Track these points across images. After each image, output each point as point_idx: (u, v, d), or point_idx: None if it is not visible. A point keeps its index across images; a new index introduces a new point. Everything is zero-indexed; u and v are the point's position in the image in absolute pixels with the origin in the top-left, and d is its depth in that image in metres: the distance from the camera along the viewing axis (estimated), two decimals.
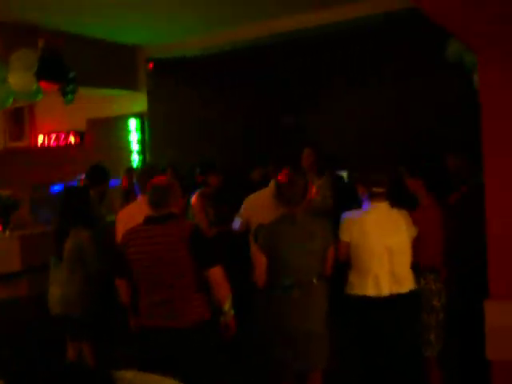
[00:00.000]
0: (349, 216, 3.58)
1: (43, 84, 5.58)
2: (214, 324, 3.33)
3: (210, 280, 3.25)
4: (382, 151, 7.35)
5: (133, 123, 7.31)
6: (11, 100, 5.37)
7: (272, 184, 4.20)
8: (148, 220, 3.36)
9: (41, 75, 5.50)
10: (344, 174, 7.07)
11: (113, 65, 6.92)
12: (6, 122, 8.65)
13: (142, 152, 7.33)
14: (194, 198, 5.06)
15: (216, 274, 3.25)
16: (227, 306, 3.30)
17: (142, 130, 7.34)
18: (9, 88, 5.21)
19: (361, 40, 7.07)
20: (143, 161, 7.32)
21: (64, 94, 5.93)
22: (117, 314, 3.89)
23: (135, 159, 7.33)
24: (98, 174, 5.14)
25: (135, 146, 7.33)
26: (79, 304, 4.00)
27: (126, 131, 7.35)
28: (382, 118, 8.03)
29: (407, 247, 3.56)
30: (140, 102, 7.34)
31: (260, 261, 3.44)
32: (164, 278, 3.23)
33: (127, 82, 7.19)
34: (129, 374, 2.80)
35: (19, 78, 5.16)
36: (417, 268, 3.65)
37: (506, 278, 3.03)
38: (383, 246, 3.46)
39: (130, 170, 6.48)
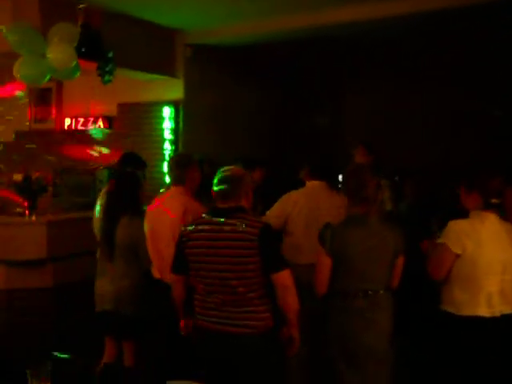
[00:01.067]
0: (459, 225, 3.12)
1: (82, 61, 5.26)
2: (277, 335, 2.98)
3: (278, 285, 2.90)
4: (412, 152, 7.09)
5: (167, 111, 6.95)
6: (48, 77, 5.02)
7: (314, 184, 3.92)
8: (213, 212, 3.01)
9: (80, 51, 5.18)
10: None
11: (151, 48, 6.57)
12: (32, 102, 8.30)
13: (175, 142, 6.97)
14: None
15: (285, 278, 2.91)
16: (294, 315, 2.95)
17: (176, 119, 6.99)
18: (47, 64, 4.86)
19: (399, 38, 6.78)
20: (175, 151, 6.96)
21: (102, 73, 5.63)
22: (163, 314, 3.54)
23: (167, 149, 6.97)
24: (137, 162, 4.79)
25: (168, 135, 6.96)
26: (134, 300, 3.66)
27: (159, 119, 7.00)
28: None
29: None
30: (175, 89, 6.99)
31: (324, 264, 3.10)
32: (227, 278, 2.88)
33: (164, 67, 6.84)
34: None
35: (59, 53, 4.82)
36: None
37: None
38: (498, 262, 3.06)
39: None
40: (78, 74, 5.26)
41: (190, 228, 3.02)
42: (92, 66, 5.55)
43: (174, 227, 3.33)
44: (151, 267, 3.65)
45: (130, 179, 3.88)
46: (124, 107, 7.38)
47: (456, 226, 3.10)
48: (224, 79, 7.37)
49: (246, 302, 2.91)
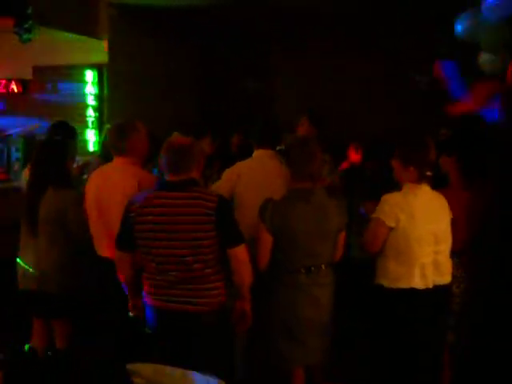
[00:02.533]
0: (393, 199, 3.09)
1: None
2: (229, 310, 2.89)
3: (234, 260, 2.79)
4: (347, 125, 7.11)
5: (89, 75, 6.53)
6: None
7: (259, 154, 3.73)
8: (164, 186, 2.82)
9: None
10: None
11: (73, 5, 6.11)
12: None
13: (99, 108, 6.58)
14: None
15: (242, 252, 2.79)
16: (247, 289, 2.86)
17: (100, 84, 6.58)
18: None
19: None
20: (99, 117, 6.58)
21: (20, 31, 5.15)
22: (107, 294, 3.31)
23: (91, 115, 6.57)
24: (68, 130, 4.44)
25: (91, 101, 6.56)
26: (60, 279, 3.35)
27: (81, 83, 6.56)
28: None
29: (449, 234, 3.19)
30: (98, 52, 6.57)
31: (265, 240, 2.98)
32: (182, 255, 2.73)
33: (87, 28, 6.39)
34: (147, 369, 2.35)
35: None
36: None
37: None
38: (430, 233, 3.07)
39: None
40: None
41: (138, 203, 2.82)
42: (9, 22, 5.07)
43: (125, 202, 3.08)
44: (94, 244, 3.39)
45: (56, 148, 3.54)
46: (40, 70, 6.86)
47: (390, 199, 3.08)
48: (149, 42, 7.01)
49: (203, 278, 2.77)
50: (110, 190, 3.24)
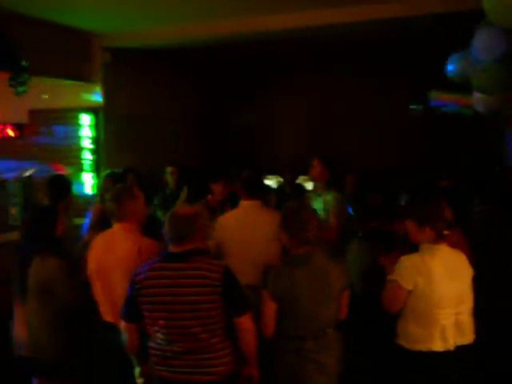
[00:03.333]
0: (410, 261, 3.04)
1: None
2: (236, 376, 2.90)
3: (240, 328, 2.82)
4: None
5: (85, 118, 6.54)
6: None
7: (247, 204, 3.76)
8: (168, 257, 2.83)
9: None
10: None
11: (67, 53, 6.14)
12: None
13: (96, 151, 6.59)
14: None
15: (248, 321, 2.83)
16: (254, 356, 2.87)
17: (97, 127, 6.60)
18: None
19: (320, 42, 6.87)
20: (96, 160, 6.58)
21: (15, 84, 5.16)
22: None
23: (88, 159, 6.57)
24: (62, 187, 4.43)
25: (88, 144, 6.57)
26: (51, 346, 3.30)
27: (77, 126, 6.57)
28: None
29: (470, 292, 3.13)
30: (94, 95, 6.58)
31: (269, 307, 2.97)
32: (189, 326, 2.74)
33: (81, 73, 6.42)
34: None
35: None
36: None
37: None
38: (451, 295, 3.01)
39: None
40: None
41: (142, 274, 2.83)
42: (3, 76, 5.09)
43: (128, 269, 3.09)
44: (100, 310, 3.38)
45: (44, 215, 3.49)
46: (36, 114, 6.87)
47: (407, 262, 3.02)
48: (145, 83, 7.06)
49: (209, 348, 2.79)
50: (112, 259, 3.26)
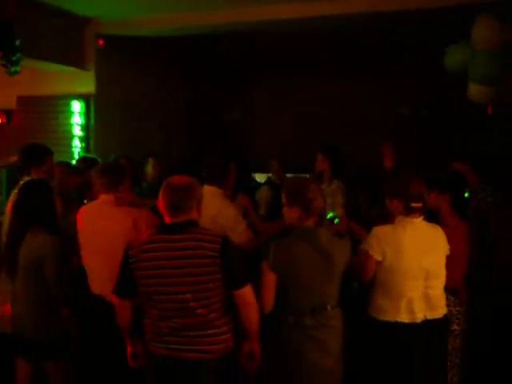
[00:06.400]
0: (382, 231, 3.11)
1: None
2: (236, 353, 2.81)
3: (240, 302, 2.73)
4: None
5: (76, 105, 6.45)
6: None
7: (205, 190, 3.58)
8: (164, 228, 2.75)
9: None
10: None
11: (60, 37, 6.06)
12: None
13: (86, 139, 6.50)
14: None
15: (248, 294, 2.74)
16: (256, 331, 2.79)
17: (87, 114, 6.51)
18: None
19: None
20: (86, 148, 6.49)
21: (8, 63, 5.06)
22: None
23: (77, 146, 6.48)
24: (40, 153, 4.19)
25: (78, 132, 6.47)
26: (36, 325, 3.21)
27: (68, 113, 6.48)
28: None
29: (443, 268, 3.19)
30: (86, 83, 6.50)
31: (269, 279, 2.88)
32: (186, 300, 2.65)
33: (74, 59, 6.34)
34: None
35: None
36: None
37: None
38: (419, 268, 3.06)
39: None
40: None
41: (137, 247, 2.73)
42: None
43: (121, 242, 3.02)
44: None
45: (37, 189, 3.40)
46: (25, 100, 6.76)
47: (378, 232, 3.11)
48: (136, 72, 6.97)
49: (207, 324, 2.70)
50: (104, 230, 3.18)
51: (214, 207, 3.48)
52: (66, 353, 3.31)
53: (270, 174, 6.78)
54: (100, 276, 3.27)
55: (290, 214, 2.98)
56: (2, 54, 5.01)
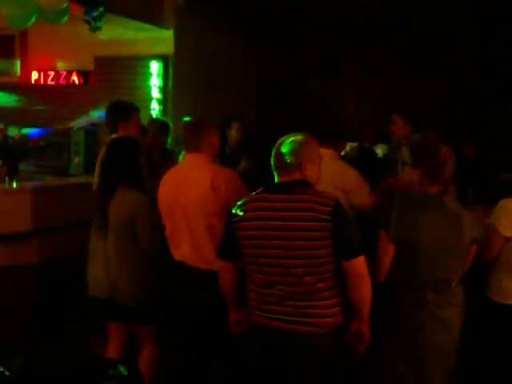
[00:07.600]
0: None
1: (70, 4, 4.54)
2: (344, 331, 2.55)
3: (351, 274, 2.44)
4: None
5: (154, 66, 6.27)
6: (34, 19, 4.29)
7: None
8: (271, 187, 2.50)
9: None
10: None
11: None
12: None
13: (163, 101, 6.33)
14: None
15: (361, 265, 2.44)
16: (367, 308, 2.51)
17: (165, 76, 6.32)
18: (33, 3, 4.14)
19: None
20: (164, 111, 6.33)
21: (91, 19, 4.92)
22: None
23: (154, 108, 6.32)
24: (126, 109, 3.96)
25: (156, 94, 6.31)
26: (131, 290, 3.07)
27: (146, 75, 6.32)
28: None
29: None
30: (164, 43, 6.30)
31: (387, 249, 2.62)
32: (293, 265, 2.40)
33: (153, 17, 6.11)
34: None
35: None
36: None
37: None
38: None
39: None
40: (66, 19, 4.55)
41: (243, 206, 2.52)
42: (79, 10, 4.84)
43: (204, 201, 2.87)
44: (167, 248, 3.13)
45: (124, 145, 3.28)
46: (103, 61, 6.66)
47: (508, 205, 2.82)
48: (216, 33, 6.68)
49: (315, 294, 2.44)
50: (186, 191, 3.00)
51: (333, 170, 3.27)
52: (156, 316, 3.18)
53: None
54: (182, 241, 3.09)
55: (413, 176, 2.66)
56: (85, 8, 4.88)
